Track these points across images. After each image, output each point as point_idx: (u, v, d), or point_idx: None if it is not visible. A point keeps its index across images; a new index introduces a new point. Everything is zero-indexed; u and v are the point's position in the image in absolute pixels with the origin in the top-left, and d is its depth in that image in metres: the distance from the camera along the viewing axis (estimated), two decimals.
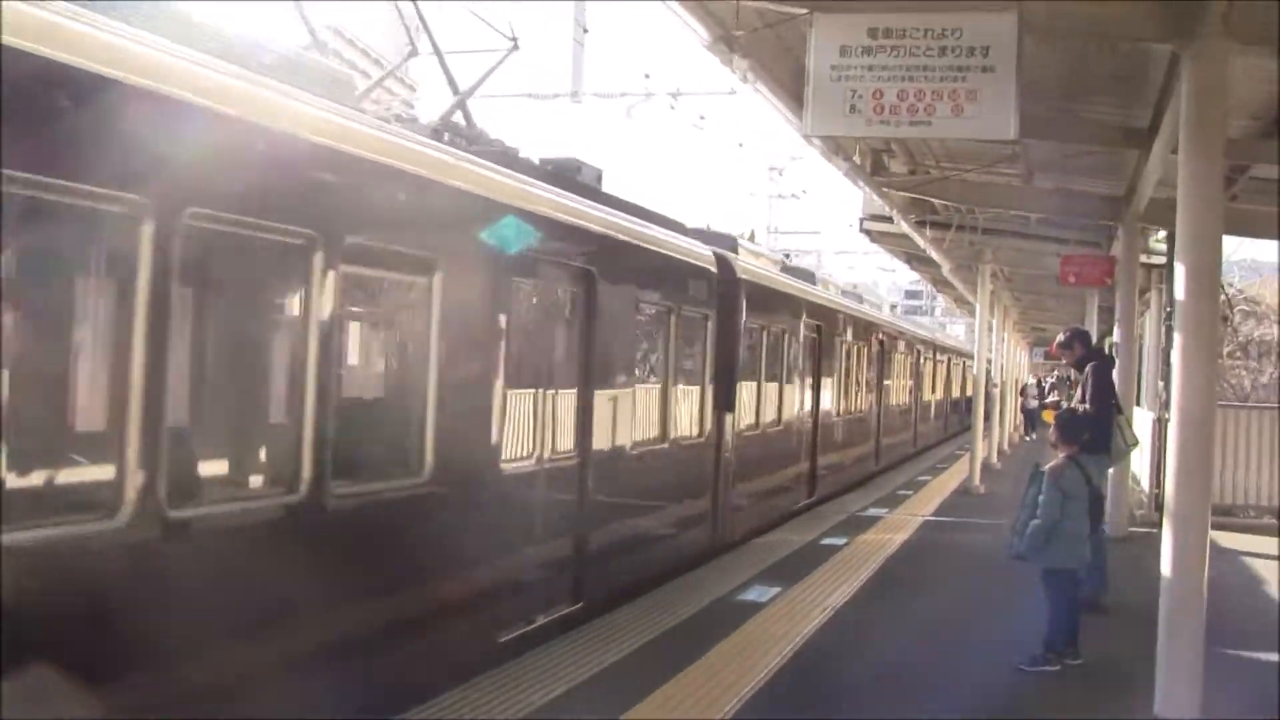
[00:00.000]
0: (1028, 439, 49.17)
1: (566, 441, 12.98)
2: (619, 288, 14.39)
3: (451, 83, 13.65)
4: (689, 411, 17.12)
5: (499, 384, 11.21)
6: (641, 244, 15.40)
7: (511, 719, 9.21)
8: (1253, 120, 15.24)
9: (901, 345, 38.43)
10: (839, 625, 13.11)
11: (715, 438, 18.03)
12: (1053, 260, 26.23)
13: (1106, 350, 19.41)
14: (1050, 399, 35.05)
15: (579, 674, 10.56)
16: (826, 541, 18.88)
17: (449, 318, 10.12)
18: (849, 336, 29.16)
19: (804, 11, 11.70)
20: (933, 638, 12.85)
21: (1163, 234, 23.99)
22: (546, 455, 12.35)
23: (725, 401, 18.34)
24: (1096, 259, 23.42)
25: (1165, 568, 9.97)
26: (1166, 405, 20.41)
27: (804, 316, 24.20)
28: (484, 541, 10.91)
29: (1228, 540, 18.88)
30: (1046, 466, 11.59)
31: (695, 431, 17.33)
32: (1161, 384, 22.51)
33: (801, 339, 23.89)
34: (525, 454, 11.90)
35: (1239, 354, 34.89)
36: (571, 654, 11.17)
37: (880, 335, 33.87)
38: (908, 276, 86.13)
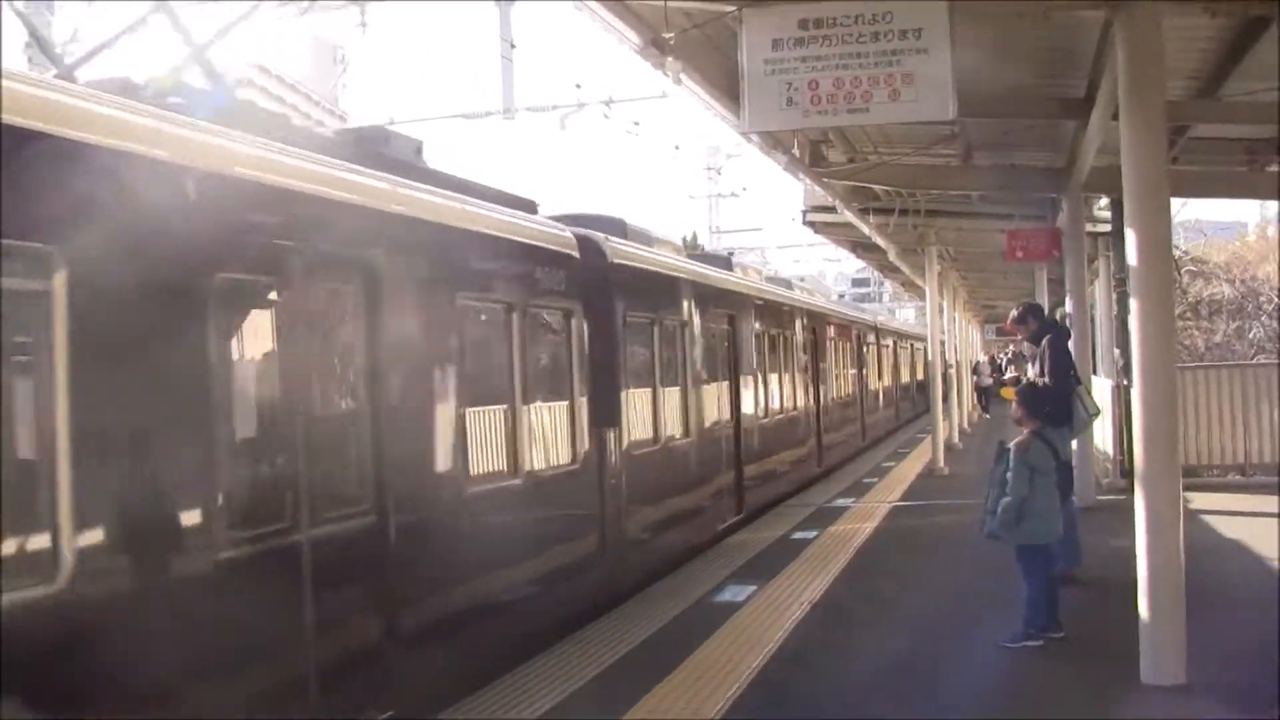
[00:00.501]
0: (985, 416, 49.28)
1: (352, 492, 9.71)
2: (416, 283, 10.91)
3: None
4: (551, 433, 13.82)
5: None
6: (451, 225, 11.89)
7: None
8: (1189, 80, 15.29)
9: (840, 332, 35.14)
10: (818, 619, 13.07)
11: (596, 462, 14.83)
12: (998, 236, 26.28)
13: (1060, 321, 19.43)
14: (1009, 375, 35.14)
15: (566, 687, 10.49)
16: (797, 535, 18.84)
17: None
18: (775, 326, 26.04)
19: (732, 9, 11.68)
20: (913, 623, 12.81)
21: (1106, 201, 24.09)
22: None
23: (605, 415, 15.19)
24: (1042, 231, 23.45)
25: (1140, 533, 9.98)
26: (1125, 372, 20.50)
27: (711, 306, 20.77)
28: None
29: (1198, 501, 18.93)
30: (1012, 443, 11.58)
31: (563, 458, 13.99)
32: (1118, 351, 22.55)
33: (711, 332, 20.64)
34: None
35: (1189, 314, 35.03)
36: (551, 670, 11.09)
37: (814, 322, 30.47)
38: (854, 265, 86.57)
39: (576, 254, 14.79)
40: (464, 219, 12.18)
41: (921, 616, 13.11)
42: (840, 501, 23.31)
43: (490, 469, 12.16)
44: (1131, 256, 10.12)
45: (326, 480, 9.20)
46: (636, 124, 46.60)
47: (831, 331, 33.31)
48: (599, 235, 15.99)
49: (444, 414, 11.22)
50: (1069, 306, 21.75)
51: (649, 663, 11.31)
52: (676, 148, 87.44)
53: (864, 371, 39.03)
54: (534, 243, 13.95)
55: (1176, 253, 35.87)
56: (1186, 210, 35.79)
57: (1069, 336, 15.85)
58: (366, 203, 10.21)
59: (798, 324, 28.44)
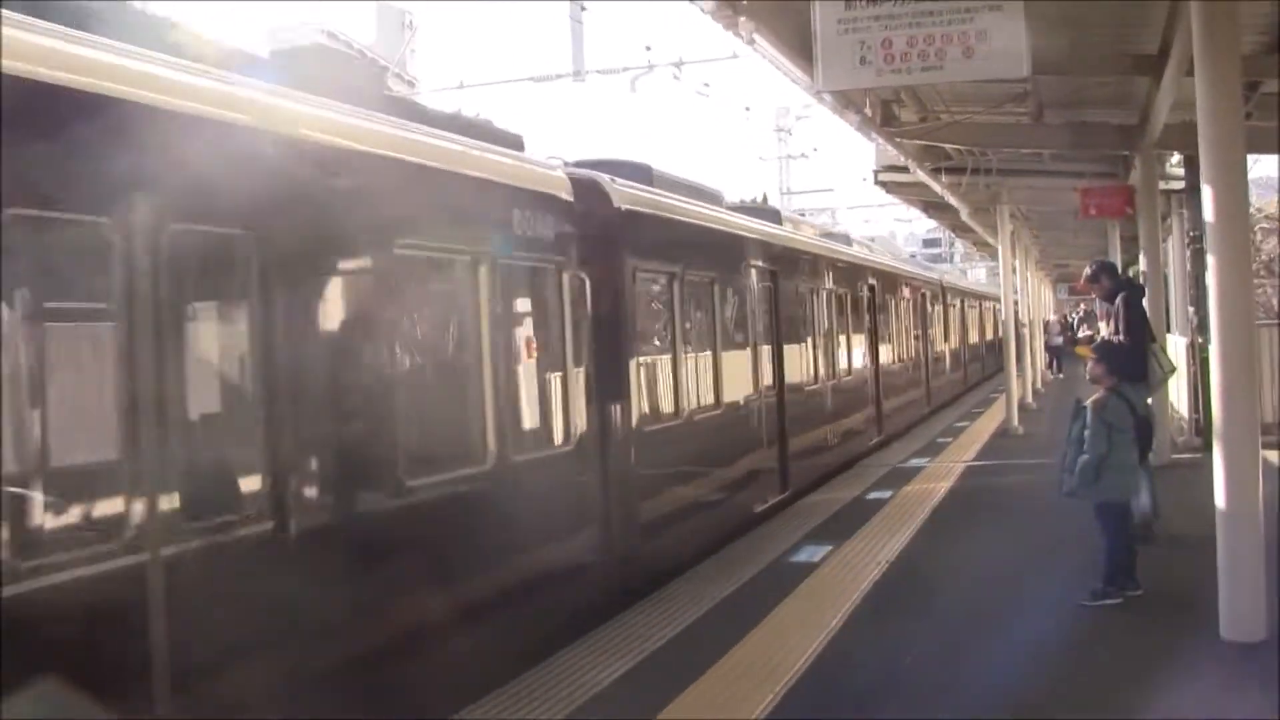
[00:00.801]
0: (1059, 376, 48.91)
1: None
2: (325, 229, 8.77)
3: None
4: (531, 409, 11.89)
5: None
6: (376, 153, 9.63)
7: (586, 693, 9.30)
8: (1262, 35, 15.16)
9: (902, 290, 33.41)
10: (895, 578, 13.10)
11: (597, 441, 12.94)
12: (1070, 195, 26.12)
13: (1134, 279, 19.31)
14: (1081, 334, 34.85)
15: (646, 647, 10.63)
16: (872, 496, 18.84)
17: None
18: (827, 284, 23.97)
19: None
20: (990, 583, 12.81)
21: (1178, 158, 23.91)
22: None
23: (611, 388, 13.27)
24: (1116, 189, 23.31)
25: (1218, 490, 9.95)
26: (1200, 329, 20.39)
27: (750, 261, 18.78)
28: None
29: (1273, 459, 18.80)
30: (1089, 401, 11.56)
31: (556, 437, 12.23)
32: (1192, 309, 22.40)
33: (749, 290, 18.56)
34: None
35: (1263, 272, 34.69)
36: (632, 629, 11.20)
37: (873, 280, 28.59)
38: (925, 225, 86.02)
39: (570, 198, 12.60)
40: (388, 145, 9.83)
41: (999, 576, 13.09)
42: (915, 461, 23.28)
43: (443, 455, 10.28)
44: (1207, 213, 10.08)
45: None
46: (707, 85, 46.60)
47: (893, 290, 31.71)
48: (604, 178, 13.93)
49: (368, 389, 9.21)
50: (1143, 264, 21.62)
51: (727, 622, 11.40)
52: (747, 109, 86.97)
53: (929, 333, 37.19)
54: (506, 182, 11.69)
55: (1250, 209, 35.53)
56: (1259, 167, 35.34)
57: (1143, 294, 15.79)
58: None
59: (855, 282, 26.80)
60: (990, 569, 13.45)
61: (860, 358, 26.51)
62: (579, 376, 12.52)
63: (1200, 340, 20.60)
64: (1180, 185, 24.78)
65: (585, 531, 12.69)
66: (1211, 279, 10.13)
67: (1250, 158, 13.33)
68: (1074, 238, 42.38)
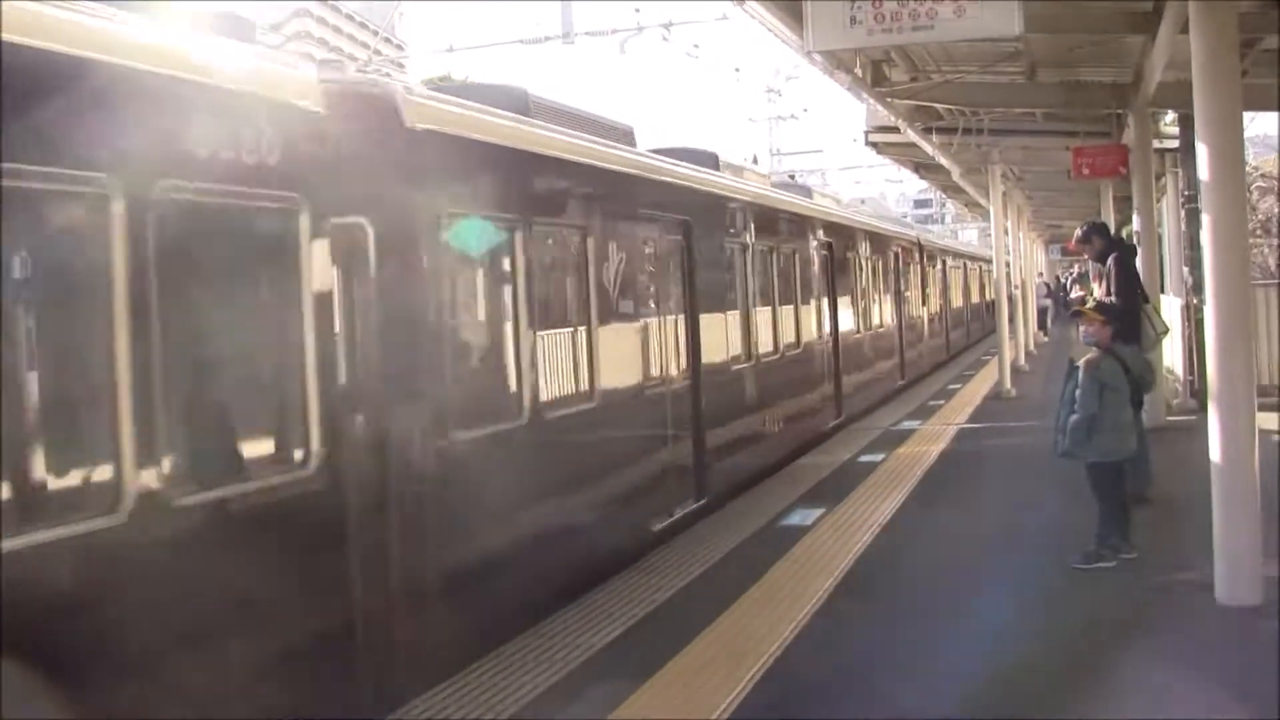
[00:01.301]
0: (1043, 338, 48.87)
1: None
2: None
3: None
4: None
5: None
6: None
7: (580, 656, 9.27)
8: None
9: (872, 249, 29.53)
10: (888, 540, 13.05)
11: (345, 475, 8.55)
12: (1063, 155, 26.04)
13: (1126, 239, 19.24)
14: (1074, 295, 34.72)
15: (637, 611, 10.56)
16: (864, 459, 18.80)
17: None
18: (769, 240, 20.50)
19: None
20: (982, 546, 12.79)
21: (1173, 117, 23.79)
22: None
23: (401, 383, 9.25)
24: (1109, 148, 23.21)
25: (1214, 452, 9.88)
26: (1195, 290, 20.31)
27: (644, 209, 14.80)
28: None
29: (1268, 422, 18.75)
30: (1081, 360, 11.49)
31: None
32: (1187, 269, 22.32)
33: (646, 247, 14.82)
34: None
35: (1260, 232, 34.56)
36: (623, 594, 11.14)
37: (829, 237, 24.62)
38: (916, 186, 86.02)
39: (320, 109, 8.60)
40: None
41: (991, 538, 13.08)
42: (907, 424, 23.22)
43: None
44: (1203, 171, 9.98)
45: None
46: (696, 47, 46.49)
47: (856, 248, 27.71)
48: (393, 86, 10.04)
49: None
50: (1136, 224, 21.54)
51: (720, 585, 11.35)
52: (737, 70, 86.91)
53: (904, 296, 33.13)
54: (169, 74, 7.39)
55: (1246, 168, 35.42)
56: (1255, 125, 35.22)
57: (1135, 254, 15.72)
58: None
59: (805, 238, 22.89)
60: (983, 531, 13.43)
61: (814, 326, 22.55)
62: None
63: (1195, 301, 20.53)
64: (1175, 144, 24.64)
65: None
66: (1206, 239, 10.05)
67: (1247, 116, 13.21)
68: (1067, 198, 42.30)
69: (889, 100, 21.21)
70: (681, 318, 15.68)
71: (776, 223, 21.45)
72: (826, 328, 23.39)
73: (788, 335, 20.89)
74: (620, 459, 13.66)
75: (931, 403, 27.19)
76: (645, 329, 14.43)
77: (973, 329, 51.66)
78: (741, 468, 17.33)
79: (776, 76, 77.61)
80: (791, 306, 21.30)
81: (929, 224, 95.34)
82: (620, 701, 8.31)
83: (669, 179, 16.24)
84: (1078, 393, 11.25)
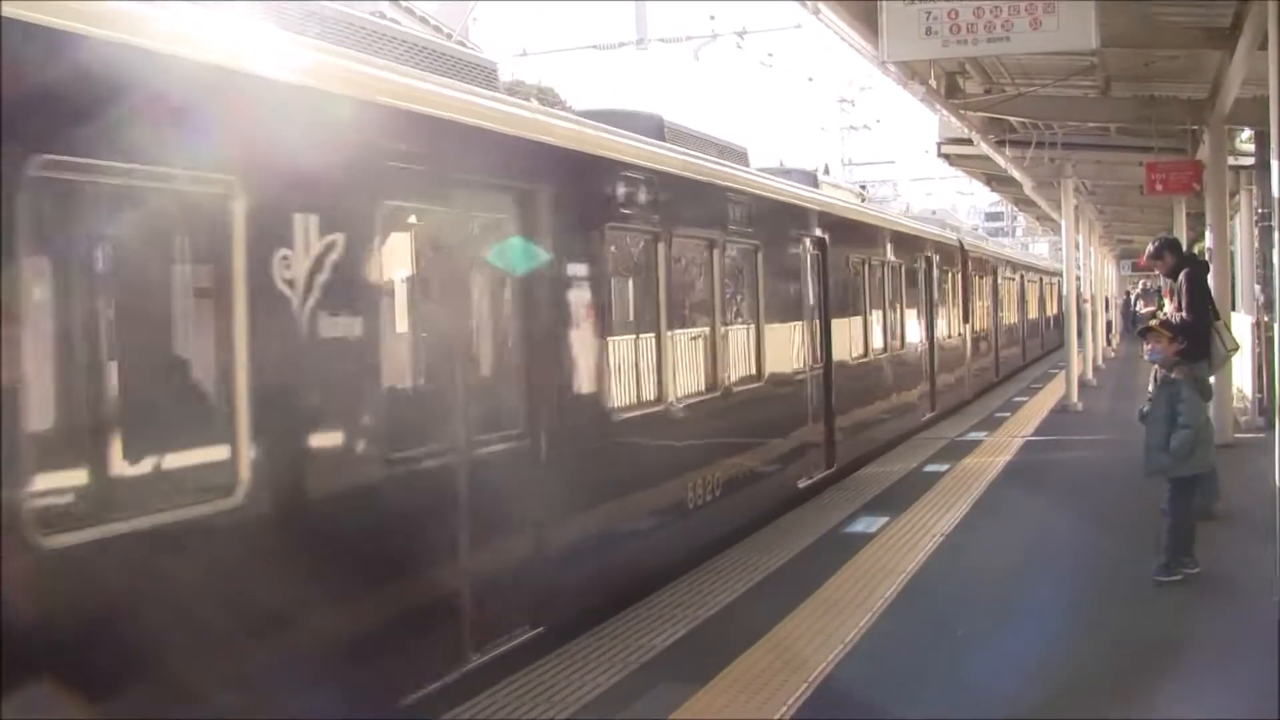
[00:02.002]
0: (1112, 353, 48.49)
1: None
2: None
3: None
4: None
5: None
6: None
7: (640, 657, 9.33)
8: None
9: (889, 251, 23.70)
10: (951, 551, 13.05)
11: None
12: (1135, 170, 25.93)
13: (1198, 256, 19.14)
14: (1143, 310, 34.47)
15: (699, 614, 10.63)
16: (929, 469, 18.78)
17: None
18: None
19: None
20: (1043, 557, 12.79)
21: (1249, 134, 23.65)
22: None
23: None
24: (1182, 164, 23.11)
25: (1279, 470, 9.86)
26: (1266, 308, 20.20)
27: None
28: None
29: None
30: (1176, 374, 11.36)
31: None
32: (1259, 287, 22.19)
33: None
34: None
35: None
36: (683, 598, 11.21)
37: (821, 230, 18.98)
38: (987, 199, 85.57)
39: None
40: None
41: (1053, 551, 13.06)
42: (973, 435, 23.17)
43: None
44: (1277, 189, 9.97)
45: None
46: (770, 55, 46.43)
47: (861, 247, 21.75)
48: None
49: None
50: (1209, 241, 21.43)
51: (782, 590, 11.39)
52: (810, 79, 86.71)
53: (935, 311, 27.81)
54: None
55: None
56: None
57: (1207, 270, 15.64)
58: None
59: (778, 230, 17.20)
60: (1044, 544, 13.41)
61: (797, 354, 17.72)
62: None
63: (1266, 319, 20.42)
64: (1250, 161, 24.51)
65: None
66: (1277, 256, 10.03)
67: None
68: (1139, 213, 42.06)
69: (962, 112, 21.22)
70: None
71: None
72: (810, 354, 18.80)
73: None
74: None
75: (998, 414, 27.08)
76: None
77: (1030, 346, 47.97)
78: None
79: (850, 86, 77.15)
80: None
81: (1000, 236, 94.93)
82: (680, 703, 8.37)
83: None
84: (1181, 406, 11.11)
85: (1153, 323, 12.61)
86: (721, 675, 8.91)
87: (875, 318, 22.55)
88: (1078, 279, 33.70)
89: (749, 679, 8.84)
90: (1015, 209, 61.02)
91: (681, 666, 9.25)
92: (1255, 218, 23.97)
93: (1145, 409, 11.58)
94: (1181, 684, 8.52)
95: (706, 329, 14.30)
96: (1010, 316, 43.27)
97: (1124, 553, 12.14)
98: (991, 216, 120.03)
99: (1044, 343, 53.08)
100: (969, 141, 24.80)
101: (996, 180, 35.93)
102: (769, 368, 16.15)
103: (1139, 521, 12.67)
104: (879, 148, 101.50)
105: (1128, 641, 9.59)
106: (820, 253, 18.83)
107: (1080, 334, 32.31)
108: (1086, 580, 11.67)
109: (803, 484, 17.30)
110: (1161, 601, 10.74)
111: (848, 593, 11.19)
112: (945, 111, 21.14)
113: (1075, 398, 27.89)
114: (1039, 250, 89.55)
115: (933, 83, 18.99)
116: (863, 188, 37.36)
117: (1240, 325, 22.25)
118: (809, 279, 18.46)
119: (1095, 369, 36.08)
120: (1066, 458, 20.07)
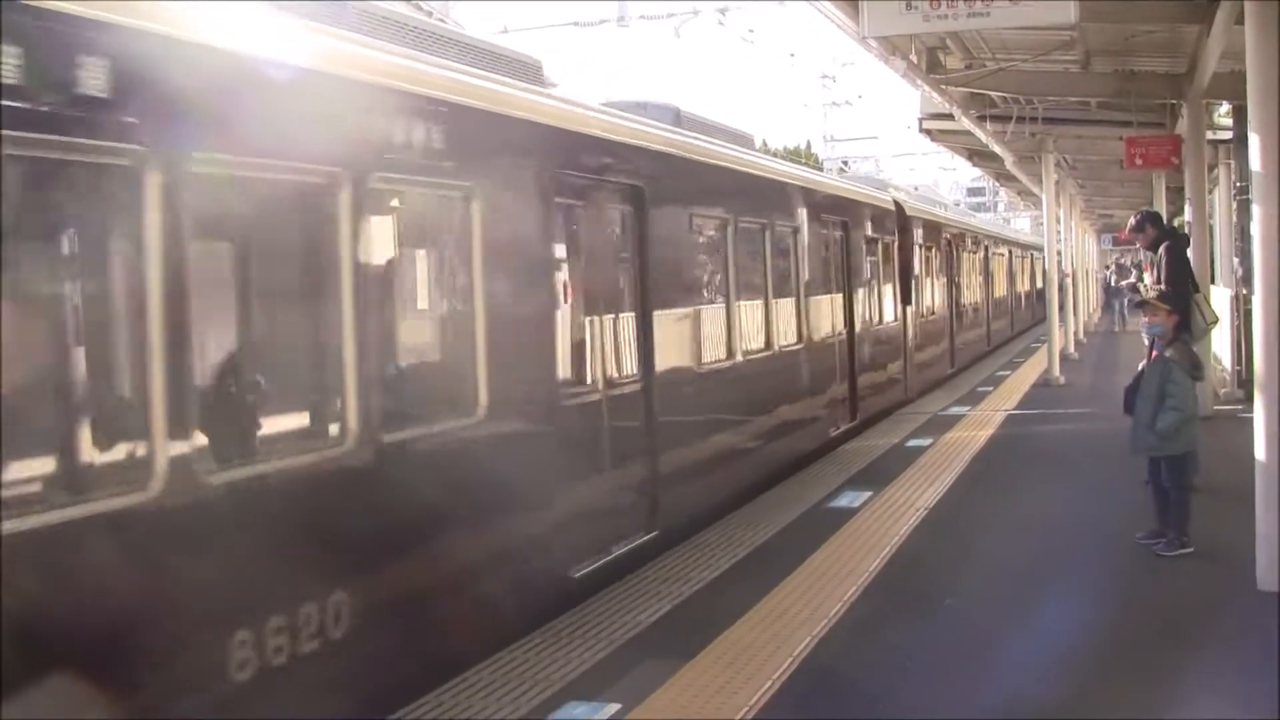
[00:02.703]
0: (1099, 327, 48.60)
1: None
2: None
3: None
4: None
5: None
6: None
7: (626, 633, 9.40)
8: None
9: (817, 209, 19.61)
10: (935, 524, 13.13)
11: None
12: (1116, 145, 25.98)
13: (1178, 229, 19.22)
14: (1121, 283, 34.48)
15: (684, 590, 10.69)
16: (912, 443, 18.85)
17: None
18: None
19: None
20: (1027, 530, 12.86)
21: (1227, 108, 23.73)
22: None
23: None
24: (1162, 139, 23.17)
25: (1258, 442, 9.94)
26: (1245, 281, 20.28)
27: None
28: None
29: None
30: (1168, 354, 11.40)
31: None
32: (1237, 260, 22.28)
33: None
34: None
35: None
36: (668, 573, 11.28)
37: (743, 187, 16.57)
38: (969, 174, 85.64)
39: None
40: None
41: (1032, 522, 13.15)
42: (955, 409, 23.25)
43: None
44: (1255, 162, 10.02)
45: None
46: (751, 31, 46.39)
47: (746, 203, 16.50)
48: None
49: None
50: (1188, 215, 21.51)
51: (767, 566, 11.46)
52: (792, 55, 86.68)
53: (854, 290, 21.80)
54: None
55: None
56: None
57: (1187, 244, 15.73)
58: None
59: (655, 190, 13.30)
60: (1025, 516, 13.49)
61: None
62: None
63: (1245, 292, 20.50)
64: (1228, 135, 24.61)
65: None
66: (1257, 230, 10.10)
67: None
68: (1119, 187, 42.13)
69: (943, 87, 21.24)
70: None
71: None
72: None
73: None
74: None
75: (980, 389, 27.16)
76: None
77: (995, 330, 42.64)
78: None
79: (832, 63, 77.19)
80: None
81: (981, 211, 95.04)
82: (665, 679, 8.42)
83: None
84: (1171, 387, 11.15)
85: (1150, 295, 12.65)
86: (707, 650, 8.96)
87: (743, 305, 15.94)
88: (1059, 254, 33.73)
89: (734, 654, 8.89)
90: (997, 184, 61.14)
91: (667, 642, 9.29)
92: (1234, 191, 24.05)
93: (1132, 384, 11.65)
94: (1157, 651, 8.61)
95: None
96: (973, 296, 37.59)
97: (1108, 525, 12.22)
98: (974, 191, 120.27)
99: (1014, 323, 48.62)
100: (950, 117, 24.81)
101: (978, 155, 35.94)
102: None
103: (1123, 495, 12.76)
104: (861, 124, 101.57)
105: (1101, 611, 9.66)
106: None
107: (1061, 308, 32.39)
108: (1063, 550, 11.75)
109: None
110: (1138, 570, 10.82)
111: (832, 567, 11.25)
112: (926, 87, 21.15)
113: (1057, 371, 27.99)
114: (1020, 225, 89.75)
115: (914, 58, 18.99)
116: (845, 164, 37.33)
117: (1219, 298, 22.36)
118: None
119: (1077, 343, 36.20)
120: (1049, 431, 20.17)
